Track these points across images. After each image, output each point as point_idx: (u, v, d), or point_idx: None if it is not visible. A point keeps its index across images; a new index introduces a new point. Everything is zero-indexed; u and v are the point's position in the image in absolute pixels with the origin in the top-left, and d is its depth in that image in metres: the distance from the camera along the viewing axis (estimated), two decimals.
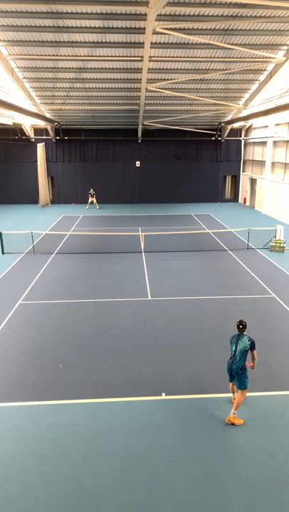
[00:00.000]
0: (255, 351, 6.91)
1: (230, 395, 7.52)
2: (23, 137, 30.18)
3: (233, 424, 6.82)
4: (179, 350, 9.34)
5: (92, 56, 17.81)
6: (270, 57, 17.82)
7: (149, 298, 12.55)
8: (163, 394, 7.72)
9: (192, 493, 5.56)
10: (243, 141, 32.63)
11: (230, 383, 7.24)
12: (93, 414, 7.19)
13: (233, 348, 6.91)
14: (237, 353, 6.81)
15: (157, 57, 17.98)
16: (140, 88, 21.04)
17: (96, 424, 6.92)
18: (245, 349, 6.80)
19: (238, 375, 6.82)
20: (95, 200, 30.36)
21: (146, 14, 13.43)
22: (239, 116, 26.69)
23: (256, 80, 21.80)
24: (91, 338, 9.98)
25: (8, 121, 27.13)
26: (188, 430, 6.76)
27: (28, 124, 29.99)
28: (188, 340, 9.84)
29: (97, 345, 9.61)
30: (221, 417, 7.04)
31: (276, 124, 26.02)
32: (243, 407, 7.24)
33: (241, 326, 7.04)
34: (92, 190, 30.46)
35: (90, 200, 30.34)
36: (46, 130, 30.72)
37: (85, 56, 17.76)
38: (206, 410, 7.26)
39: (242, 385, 6.82)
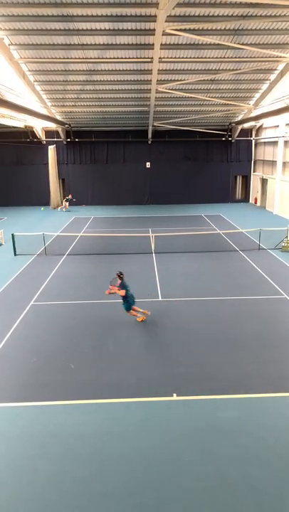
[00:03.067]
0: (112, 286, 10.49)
1: (241, 396, 7.49)
2: (35, 140, 30.48)
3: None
4: (190, 351, 9.33)
5: (103, 58, 17.92)
6: (280, 57, 17.69)
7: (160, 299, 12.56)
8: (174, 394, 7.72)
9: (203, 493, 5.54)
10: (253, 141, 32.44)
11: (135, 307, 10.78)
12: (104, 414, 7.23)
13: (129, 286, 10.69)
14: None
15: (167, 58, 18.00)
16: (150, 89, 21.08)
17: (106, 425, 6.95)
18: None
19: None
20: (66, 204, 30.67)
21: (156, 16, 13.46)
22: (249, 116, 26.54)
23: (267, 80, 21.66)
24: (102, 338, 10.03)
25: (20, 124, 27.42)
26: (199, 431, 6.74)
27: (40, 127, 30.28)
28: (199, 340, 9.82)
29: (107, 346, 9.65)
30: (233, 418, 7.02)
31: (287, 124, 25.79)
32: (257, 408, 7.22)
33: (122, 275, 10.65)
34: (70, 195, 31.11)
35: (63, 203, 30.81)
36: (57, 132, 30.96)
37: (95, 58, 17.87)
38: (217, 411, 7.24)
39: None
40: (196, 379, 8.22)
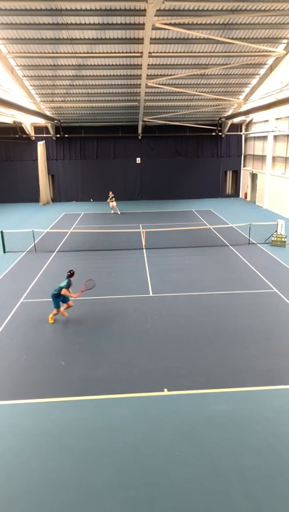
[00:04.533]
0: (64, 290, 10.36)
1: (232, 389, 7.57)
2: (24, 135, 30.15)
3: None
4: (181, 346, 9.37)
5: (92, 53, 17.75)
6: (270, 51, 17.73)
7: (151, 294, 12.58)
8: (165, 389, 7.76)
9: (195, 486, 5.59)
10: (243, 136, 32.52)
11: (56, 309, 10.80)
12: (96, 410, 7.23)
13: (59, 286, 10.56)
14: (56, 288, 10.54)
15: (157, 52, 17.91)
16: (140, 84, 20.98)
17: (98, 421, 6.97)
18: (60, 287, 10.42)
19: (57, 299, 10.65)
20: (115, 204, 27.15)
21: (145, 10, 13.38)
22: (239, 111, 26.59)
23: (256, 74, 21.69)
24: (93, 335, 10.02)
25: (9, 120, 27.12)
26: (190, 425, 6.79)
27: (29, 123, 29.97)
28: (190, 335, 9.87)
29: (99, 342, 9.64)
30: (224, 412, 7.08)
31: (277, 119, 25.92)
32: (248, 401, 7.30)
33: (69, 272, 10.78)
34: (111, 193, 27.42)
35: (110, 204, 27.20)
36: (46, 128, 30.70)
37: (84, 53, 17.70)
38: (208, 405, 7.29)
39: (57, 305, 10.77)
40: (187, 373, 8.27)
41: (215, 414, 7.06)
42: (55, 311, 10.81)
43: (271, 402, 7.33)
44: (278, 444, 6.32)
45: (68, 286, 10.56)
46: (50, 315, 10.82)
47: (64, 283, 10.54)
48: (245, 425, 6.76)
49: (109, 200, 27.01)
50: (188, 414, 7.06)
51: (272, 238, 18.08)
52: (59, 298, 10.66)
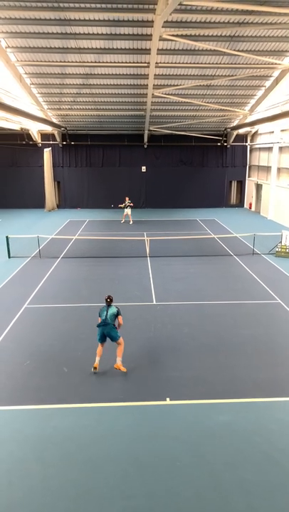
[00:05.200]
0: (120, 316, 8.63)
1: (234, 400, 7.51)
2: (30, 142, 30.41)
3: (119, 369, 8.42)
4: (183, 355, 9.33)
5: (99, 62, 17.99)
6: (276, 64, 17.88)
7: (154, 302, 12.56)
8: (167, 399, 7.71)
9: (195, 497, 5.53)
10: (248, 147, 32.66)
11: (100, 345, 8.67)
12: (97, 418, 7.20)
13: (104, 314, 8.54)
14: (108, 316, 8.48)
15: (164, 63, 18.11)
16: (146, 94, 21.19)
17: (100, 428, 6.92)
18: (113, 314, 8.53)
19: (110, 332, 8.45)
20: (130, 212, 26.04)
21: (153, 21, 13.56)
22: (245, 121, 26.72)
23: (262, 86, 21.86)
24: (95, 342, 9.97)
25: (16, 127, 27.40)
26: (192, 435, 6.74)
27: (36, 129, 30.26)
28: (193, 344, 9.82)
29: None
30: (226, 422, 7.02)
31: (282, 130, 26.02)
32: (251, 413, 7.23)
33: (109, 299, 8.70)
34: (127, 199, 26.30)
35: (124, 212, 26.23)
36: (53, 135, 30.97)
37: (92, 62, 17.94)
38: (210, 415, 7.24)
39: (116, 338, 8.51)
40: (189, 383, 8.22)
41: (217, 424, 7.00)
42: (120, 347, 8.57)
43: (273, 414, 7.26)
44: (280, 457, 6.25)
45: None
46: (119, 358, 8.55)
47: (113, 307, 8.67)
48: (246, 437, 6.69)
49: (123, 205, 25.90)
50: (190, 424, 7.00)
51: (277, 249, 18.05)
52: (113, 328, 8.53)
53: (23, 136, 29.66)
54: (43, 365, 8.90)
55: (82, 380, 8.33)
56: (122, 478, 5.88)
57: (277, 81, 20.42)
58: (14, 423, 7.07)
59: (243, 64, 18.30)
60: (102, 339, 8.63)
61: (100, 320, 8.65)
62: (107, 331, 8.49)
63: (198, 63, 18.20)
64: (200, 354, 9.38)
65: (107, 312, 8.58)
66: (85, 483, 5.79)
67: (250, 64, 18.30)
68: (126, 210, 26.08)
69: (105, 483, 5.80)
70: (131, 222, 26.09)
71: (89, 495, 5.60)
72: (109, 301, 8.68)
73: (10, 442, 6.60)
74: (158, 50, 16.17)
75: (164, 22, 12.99)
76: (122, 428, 6.93)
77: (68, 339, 10.14)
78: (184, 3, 11.45)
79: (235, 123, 29.23)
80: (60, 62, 17.90)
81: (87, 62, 17.90)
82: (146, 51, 16.73)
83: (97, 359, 8.60)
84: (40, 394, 7.88)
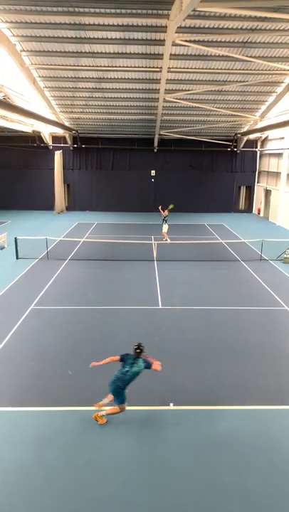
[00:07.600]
0: (156, 363, 6.99)
1: (239, 407, 7.47)
2: (42, 144, 30.72)
3: (95, 419, 7.06)
4: (188, 360, 9.31)
5: (112, 66, 18.14)
6: (287, 70, 17.85)
7: (160, 306, 12.56)
8: (171, 404, 7.69)
9: (199, 503, 5.51)
10: (258, 152, 32.58)
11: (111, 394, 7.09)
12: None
13: (127, 369, 6.89)
14: (130, 373, 6.85)
15: (176, 68, 18.20)
16: (158, 98, 21.28)
17: (102, 432, 6.93)
18: (138, 372, 6.90)
19: (119, 392, 6.90)
20: (166, 230, 21.39)
21: (166, 26, 13.66)
22: (255, 127, 26.69)
23: (273, 92, 21.83)
24: (100, 345, 10.02)
25: (28, 129, 27.67)
26: (195, 441, 6.71)
27: (47, 132, 30.53)
28: (198, 350, 9.80)
29: (106, 353, 9.60)
30: (230, 429, 6.98)
31: None
32: (255, 420, 7.19)
33: (139, 350, 6.93)
34: (166, 212, 21.70)
35: (163, 226, 21.47)
36: (64, 138, 31.21)
37: (105, 66, 18.09)
38: (214, 422, 7.21)
39: (119, 402, 6.97)
40: (194, 389, 8.19)
41: (220, 431, 6.97)
42: (115, 409, 7.04)
43: (278, 422, 7.21)
44: (284, 465, 6.20)
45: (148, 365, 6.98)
46: (104, 413, 7.15)
47: (142, 365, 6.91)
48: (250, 444, 6.65)
49: (163, 217, 21.44)
50: (194, 430, 6.98)
51: (285, 255, 17.94)
52: (125, 385, 6.92)
53: (35, 138, 29.99)
54: (47, 367, 8.94)
55: (86, 384, 8.34)
56: (124, 482, 5.87)
57: (288, 87, 20.37)
58: (16, 424, 7.09)
59: (254, 70, 18.32)
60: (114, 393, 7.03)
61: (116, 358, 7.08)
62: (120, 388, 6.91)
63: (210, 69, 18.25)
64: (205, 359, 9.35)
65: (131, 367, 6.88)
66: (87, 487, 5.79)
67: (261, 70, 18.30)
68: (164, 224, 21.45)
69: (107, 486, 5.79)
70: (168, 241, 20.78)
71: (90, 498, 5.59)
72: (138, 352, 6.93)
73: (11, 444, 6.62)
74: (170, 55, 16.25)
75: (177, 27, 13.07)
76: (126, 432, 6.92)
77: (73, 342, 10.17)
78: (198, 9, 11.50)
79: (245, 128, 29.20)
80: (74, 66, 18.08)
81: (101, 66, 18.06)
82: (159, 56, 16.82)
83: (105, 401, 7.26)
84: (44, 396, 7.91)
